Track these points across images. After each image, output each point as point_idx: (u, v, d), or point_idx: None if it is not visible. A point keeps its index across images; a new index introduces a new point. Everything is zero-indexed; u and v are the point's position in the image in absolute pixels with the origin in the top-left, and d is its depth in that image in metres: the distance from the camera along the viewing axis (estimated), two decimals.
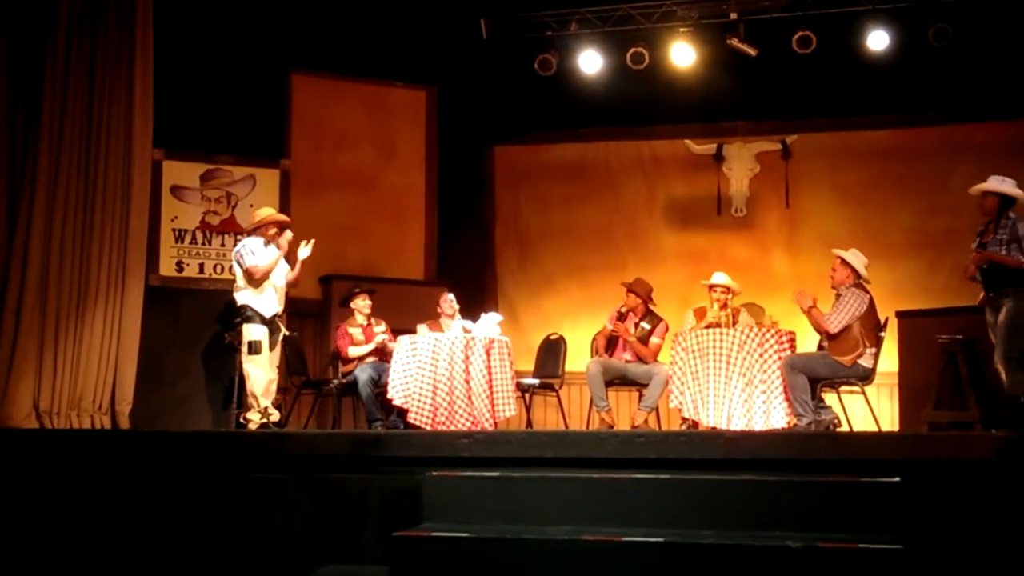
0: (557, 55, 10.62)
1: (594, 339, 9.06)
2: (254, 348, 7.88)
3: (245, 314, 7.96)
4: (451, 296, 9.20)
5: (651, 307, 8.87)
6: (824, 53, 10.00)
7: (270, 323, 8.02)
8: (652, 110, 11.09)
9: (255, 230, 8.19)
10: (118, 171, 8.68)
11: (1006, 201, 7.05)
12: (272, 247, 8.10)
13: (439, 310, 9.14)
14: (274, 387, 8.13)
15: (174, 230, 9.84)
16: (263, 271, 7.97)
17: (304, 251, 8.28)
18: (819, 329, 7.74)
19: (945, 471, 5.17)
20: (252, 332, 7.92)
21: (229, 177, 10.09)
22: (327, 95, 10.94)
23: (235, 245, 8.50)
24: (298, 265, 8.30)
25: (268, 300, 8.04)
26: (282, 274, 8.18)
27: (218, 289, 9.47)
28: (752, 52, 10.15)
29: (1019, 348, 6.75)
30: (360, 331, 9.02)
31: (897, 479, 4.98)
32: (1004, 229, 6.95)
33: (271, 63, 10.40)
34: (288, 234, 8.22)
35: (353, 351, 8.93)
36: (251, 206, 9.81)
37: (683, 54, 10.36)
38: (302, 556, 5.64)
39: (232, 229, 9.91)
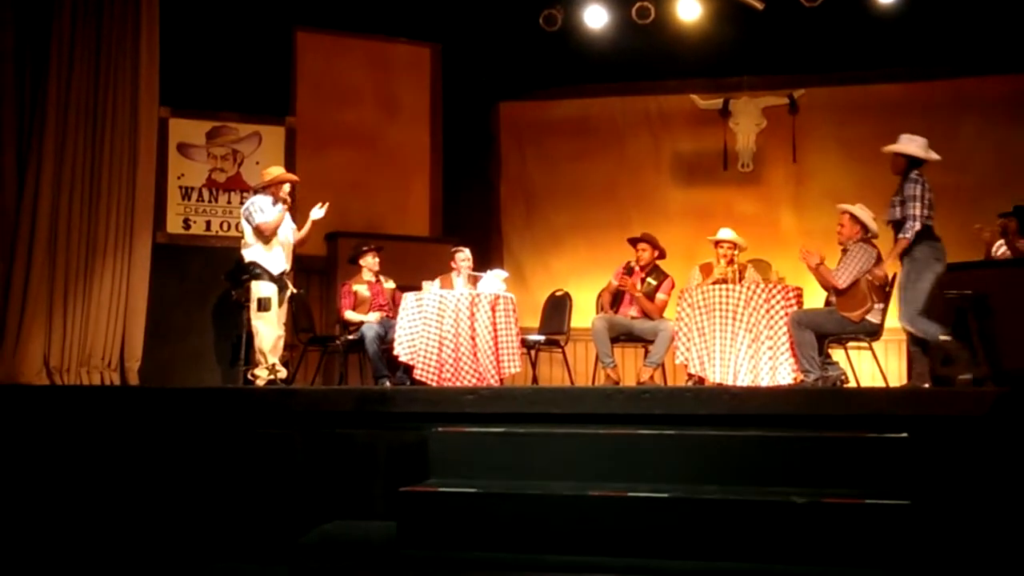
0: (562, 10, 10.55)
1: (599, 295, 9.06)
2: (263, 305, 7.90)
3: (254, 271, 7.99)
4: (466, 251, 9.07)
5: (658, 263, 8.86)
6: (832, 6, 9.92)
7: (278, 280, 8.04)
8: (658, 65, 11.01)
9: (264, 188, 8.19)
10: (125, 129, 8.70)
11: (913, 162, 7.09)
12: (280, 206, 8.11)
13: (453, 265, 9.06)
14: (282, 343, 8.16)
15: (181, 188, 9.84)
16: (272, 227, 7.99)
17: (317, 212, 8.30)
18: (827, 285, 7.72)
19: (953, 427, 5.17)
20: (261, 289, 7.95)
21: (235, 135, 10.08)
22: (332, 52, 10.89)
23: (242, 202, 8.50)
24: (308, 224, 8.31)
25: (276, 257, 8.05)
26: (290, 231, 8.20)
27: (225, 246, 9.50)
28: (759, 5, 10.07)
29: (915, 308, 6.91)
30: (366, 287, 9.02)
31: (904, 435, 4.98)
32: (900, 190, 7.03)
33: (276, 21, 10.35)
34: (287, 186, 8.21)
35: (350, 315, 8.93)
36: (257, 163, 9.82)
37: (689, 8, 10.28)
38: (309, 511, 5.68)
39: (238, 186, 9.92)
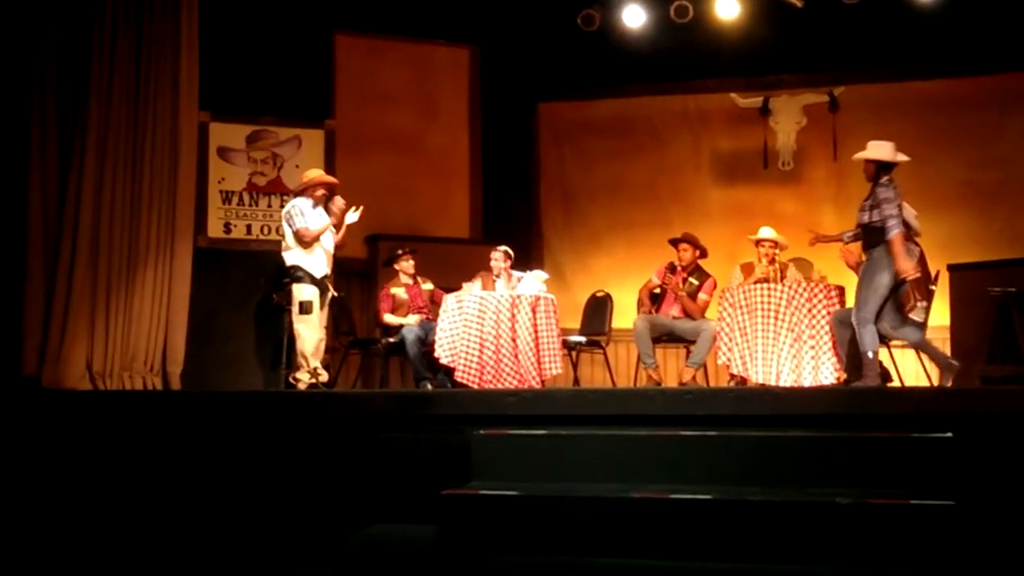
0: (601, 10, 10.53)
1: (640, 292, 9.02)
2: (305, 308, 7.94)
3: (295, 274, 8.02)
4: (502, 252, 8.92)
5: (699, 263, 8.83)
6: (871, 2, 9.84)
7: (320, 283, 8.07)
8: (697, 64, 10.95)
9: (303, 191, 8.23)
10: (165, 133, 8.76)
11: (883, 166, 7.16)
12: (320, 210, 8.14)
13: (491, 267, 8.93)
14: (323, 346, 8.19)
15: (221, 192, 9.90)
16: (313, 235, 8.03)
17: (352, 216, 8.34)
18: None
19: (998, 426, 5.11)
20: (303, 292, 7.98)
21: (275, 138, 10.13)
22: (371, 55, 10.92)
23: (282, 206, 8.53)
24: (344, 229, 8.34)
25: (318, 260, 8.09)
26: (330, 236, 8.23)
27: (266, 250, 9.54)
28: (798, 3, 10.00)
29: (865, 311, 7.09)
30: (404, 290, 9.04)
31: (949, 435, 4.93)
32: (872, 195, 7.14)
33: (315, 24, 10.39)
34: (340, 201, 8.27)
35: (389, 318, 8.96)
36: (297, 167, 9.85)
37: (728, 6, 10.23)
38: (351, 515, 5.69)
39: (278, 190, 9.96)
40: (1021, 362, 7.36)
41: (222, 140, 9.94)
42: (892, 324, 7.16)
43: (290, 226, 8.08)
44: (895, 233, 6.95)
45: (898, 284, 7.07)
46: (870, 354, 7.05)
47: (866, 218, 7.16)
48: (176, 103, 8.83)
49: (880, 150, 7.23)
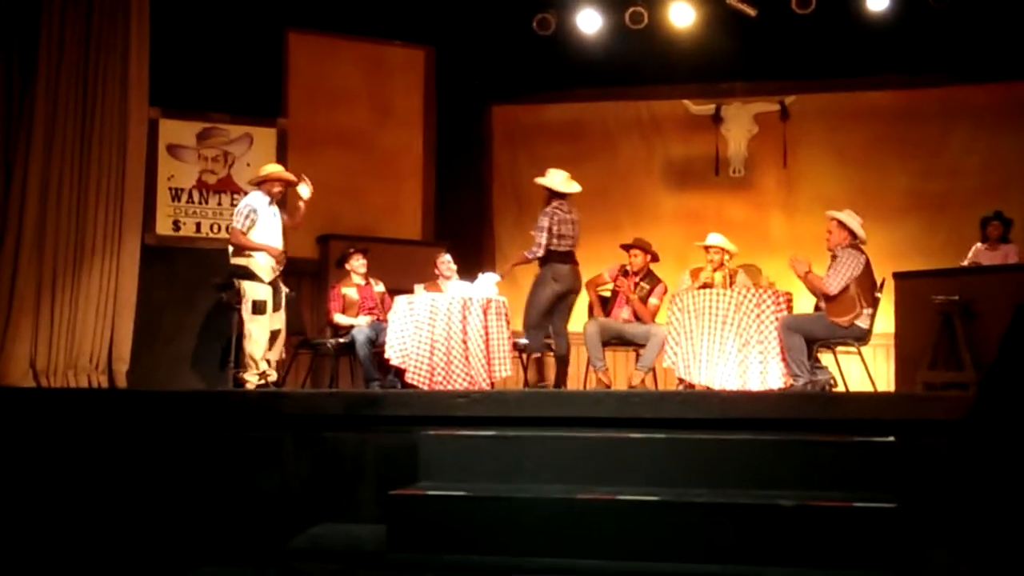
0: (556, 14, 10.56)
1: (587, 286, 9.03)
2: (258, 308, 7.84)
3: (246, 273, 7.91)
4: (448, 257, 9.21)
5: (651, 268, 8.88)
6: (823, 13, 9.96)
7: (272, 283, 7.97)
8: (650, 70, 11.02)
9: (260, 184, 8.12)
10: (114, 129, 8.67)
11: (553, 193, 8.15)
12: (275, 209, 8.02)
13: (437, 271, 9.16)
14: (282, 340, 8.11)
15: (171, 189, 9.82)
16: (244, 244, 7.83)
17: (305, 191, 8.19)
18: (817, 293, 7.74)
19: (940, 431, 5.19)
20: (257, 291, 7.87)
21: (226, 136, 10.07)
22: (324, 54, 10.87)
23: (232, 204, 8.43)
24: (302, 207, 8.18)
25: (265, 260, 7.99)
26: (279, 234, 8.08)
27: (215, 248, 9.46)
28: (751, 12, 10.10)
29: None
30: (356, 291, 9.02)
31: (892, 439, 5.00)
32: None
33: (268, 21, 10.33)
34: (304, 192, 8.16)
35: (339, 318, 8.93)
36: (248, 165, 9.81)
37: (682, 14, 10.30)
38: (298, 515, 5.67)
39: (229, 188, 9.90)
40: (962, 369, 7.47)
41: (172, 137, 9.86)
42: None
43: (233, 222, 7.94)
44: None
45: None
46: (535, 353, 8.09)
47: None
48: (125, 99, 8.74)
49: (550, 179, 8.14)
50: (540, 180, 8.13)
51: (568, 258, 8.06)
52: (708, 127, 11.21)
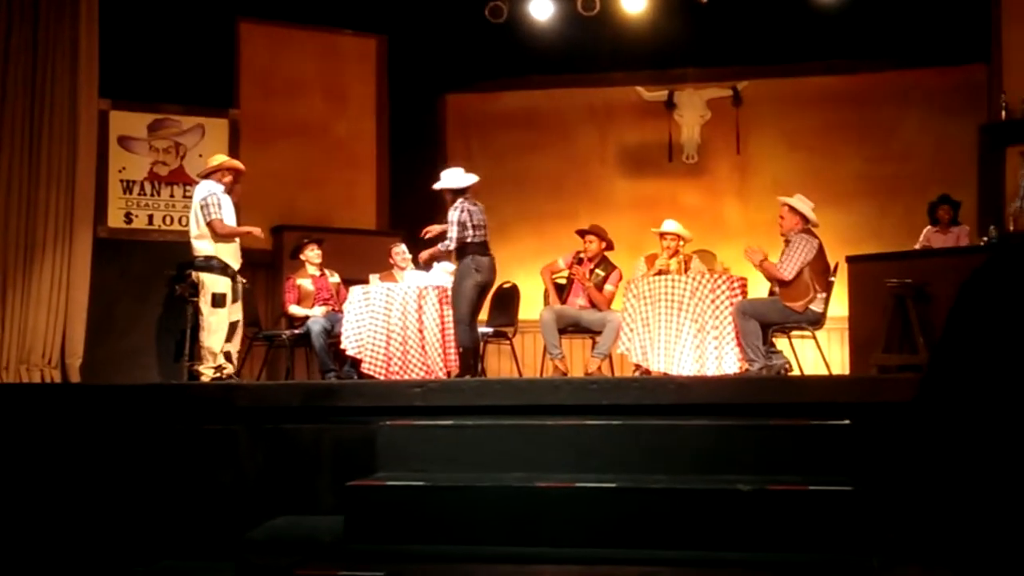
0: (508, 2, 10.54)
1: (542, 272, 9.03)
2: (218, 301, 7.75)
3: (210, 264, 7.81)
4: (403, 247, 9.18)
5: (606, 255, 8.89)
6: None
7: (232, 274, 7.90)
8: (603, 57, 11.04)
9: (209, 175, 8.04)
10: (64, 122, 8.58)
11: (455, 191, 8.06)
12: (228, 198, 7.97)
13: (391, 261, 9.14)
14: (239, 333, 8.05)
15: (122, 181, 9.71)
16: (227, 231, 7.79)
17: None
18: (773, 279, 7.79)
19: (894, 414, 5.24)
20: (217, 284, 7.79)
21: (177, 127, 9.97)
22: (276, 44, 10.79)
23: (185, 195, 8.34)
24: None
25: (234, 250, 7.91)
26: (235, 223, 8.03)
27: (168, 241, 9.39)
28: None
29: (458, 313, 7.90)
30: (311, 282, 8.97)
31: (847, 422, 5.04)
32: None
33: (219, 11, 10.24)
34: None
35: (294, 309, 8.88)
36: (200, 156, 9.72)
37: (634, 0, 10.31)
38: (255, 507, 5.64)
39: (181, 180, 9.81)
40: (916, 351, 7.55)
41: (123, 129, 9.75)
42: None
43: (205, 215, 7.78)
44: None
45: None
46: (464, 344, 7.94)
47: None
48: (75, 90, 8.65)
49: (448, 179, 8.05)
50: (438, 185, 8.09)
51: (486, 249, 8.05)
52: (661, 113, 11.24)
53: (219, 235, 7.79)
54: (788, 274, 7.58)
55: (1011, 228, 8.88)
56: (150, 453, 5.88)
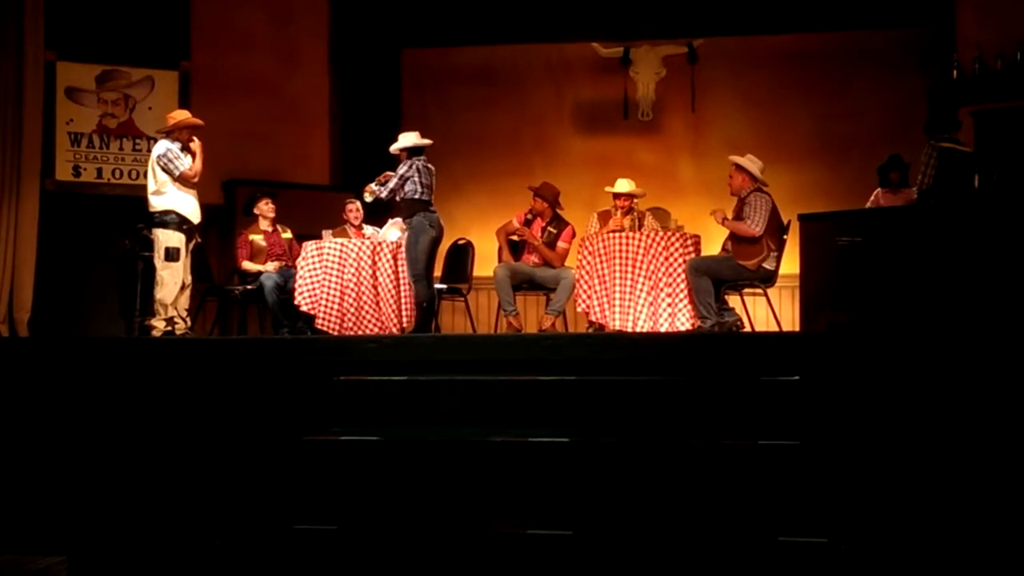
0: None
1: (497, 233, 9.03)
2: (172, 255, 7.68)
3: (165, 219, 7.73)
4: (357, 203, 9.13)
5: (558, 211, 8.90)
6: None
7: (189, 230, 7.83)
8: (560, 12, 10.98)
9: (168, 133, 7.93)
10: (8, 73, 8.44)
11: (411, 150, 8.18)
12: (186, 155, 7.86)
13: (345, 217, 9.10)
14: (188, 293, 7.98)
15: (70, 134, 9.56)
16: (196, 170, 7.75)
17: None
18: (744, 236, 7.80)
19: (842, 370, 5.30)
20: (171, 239, 7.71)
21: (126, 79, 9.81)
22: None
23: (135, 148, 8.23)
24: (198, 158, 8.00)
25: (192, 205, 7.82)
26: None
27: (118, 195, 9.27)
28: None
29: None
30: (263, 237, 8.91)
31: (796, 378, 5.10)
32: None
33: None
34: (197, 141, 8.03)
35: (247, 265, 8.82)
36: (150, 109, 9.60)
37: None
38: (210, 465, 5.62)
39: (130, 132, 9.67)
40: (865, 309, 7.63)
41: (70, 80, 9.59)
42: None
43: (169, 171, 7.70)
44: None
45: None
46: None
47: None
48: (20, 41, 8.50)
49: (406, 139, 8.19)
50: (395, 147, 8.22)
51: (432, 206, 8.14)
52: (617, 70, 11.22)
53: (192, 181, 7.77)
54: (759, 229, 7.67)
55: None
56: (99, 409, 5.83)
